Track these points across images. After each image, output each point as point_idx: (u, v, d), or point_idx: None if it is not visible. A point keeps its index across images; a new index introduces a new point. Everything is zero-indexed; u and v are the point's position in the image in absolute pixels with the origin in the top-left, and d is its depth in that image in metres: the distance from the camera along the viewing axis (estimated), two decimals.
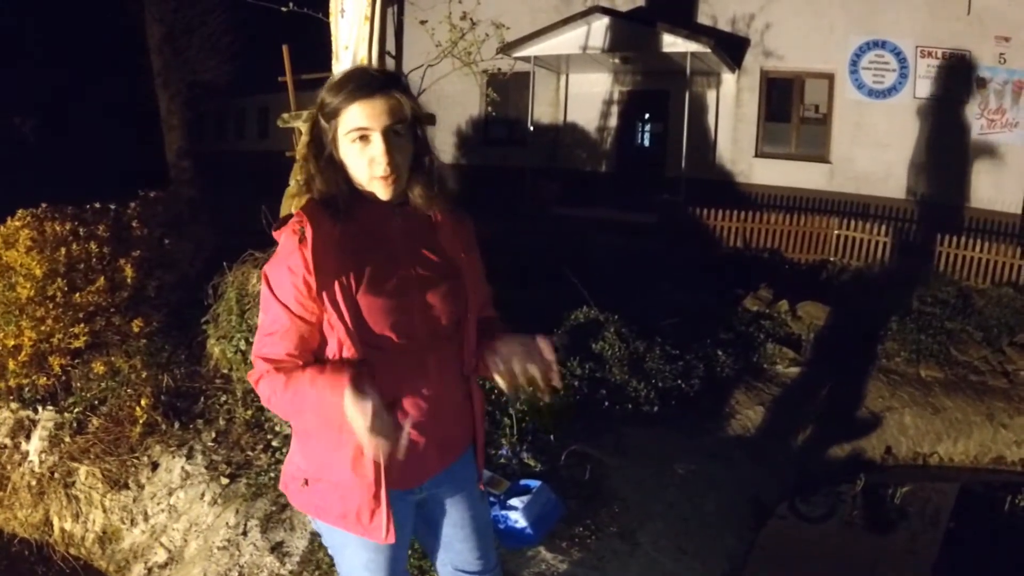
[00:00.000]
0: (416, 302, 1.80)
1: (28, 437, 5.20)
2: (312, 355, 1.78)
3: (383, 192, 1.76)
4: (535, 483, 3.83)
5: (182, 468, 4.64)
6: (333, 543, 2.04)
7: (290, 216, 1.78)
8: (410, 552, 2.82)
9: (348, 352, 1.74)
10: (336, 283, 1.72)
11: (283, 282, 1.73)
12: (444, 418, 1.89)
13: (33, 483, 4.98)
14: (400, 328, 1.78)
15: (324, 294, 1.71)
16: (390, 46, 7.27)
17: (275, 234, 1.78)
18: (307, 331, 1.75)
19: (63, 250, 5.44)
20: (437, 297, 1.83)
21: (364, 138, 1.71)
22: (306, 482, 1.91)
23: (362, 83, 1.72)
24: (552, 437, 4.40)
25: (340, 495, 1.86)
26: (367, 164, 1.72)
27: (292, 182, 6.00)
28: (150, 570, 4.28)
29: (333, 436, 1.80)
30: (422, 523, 2.11)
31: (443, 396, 1.87)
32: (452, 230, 1.88)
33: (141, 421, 4.94)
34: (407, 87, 1.76)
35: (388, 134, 1.71)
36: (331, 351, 1.77)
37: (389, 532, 1.84)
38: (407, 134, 1.75)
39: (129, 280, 5.69)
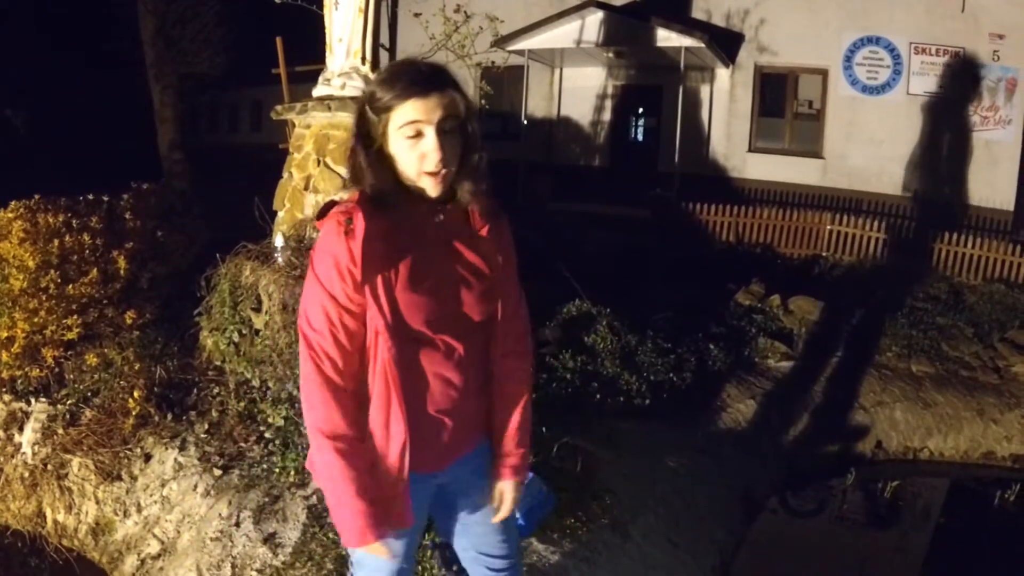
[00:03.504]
0: (452, 299, 1.83)
1: (21, 429, 5.20)
2: (359, 356, 1.80)
3: (432, 188, 1.76)
4: (530, 475, 3.84)
5: (175, 460, 4.65)
6: None
7: (331, 204, 1.80)
8: None
9: (384, 345, 1.76)
10: (379, 277, 1.74)
11: (329, 273, 1.75)
12: (468, 406, 1.93)
13: (26, 475, 4.98)
14: (435, 323, 1.81)
15: (367, 287, 1.74)
16: (384, 39, 7.27)
17: (318, 223, 1.80)
18: (353, 324, 1.77)
19: (56, 242, 5.44)
20: (472, 295, 1.86)
21: (417, 134, 1.72)
22: None
23: (416, 79, 1.72)
24: (544, 429, 4.41)
25: None
26: (418, 159, 1.73)
27: (285, 174, 6.01)
28: (143, 561, 4.29)
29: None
30: (442, 506, 2.13)
31: (469, 385, 1.90)
32: (491, 230, 1.89)
33: (134, 413, 4.94)
34: (457, 83, 1.77)
35: (440, 130, 1.72)
36: (368, 341, 1.80)
37: (407, 517, 1.88)
38: (458, 130, 1.77)
39: (122, 272, 5.69)
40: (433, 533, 2.75)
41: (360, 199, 1.76)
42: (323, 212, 1.79)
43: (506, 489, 2.08)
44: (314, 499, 3.98)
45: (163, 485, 4.58)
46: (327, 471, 1.78)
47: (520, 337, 2.06)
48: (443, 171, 1.74)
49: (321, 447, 1.78)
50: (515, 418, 2.05)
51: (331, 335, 1.76)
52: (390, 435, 1.82)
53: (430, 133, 1.71)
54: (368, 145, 1.77)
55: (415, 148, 1.73)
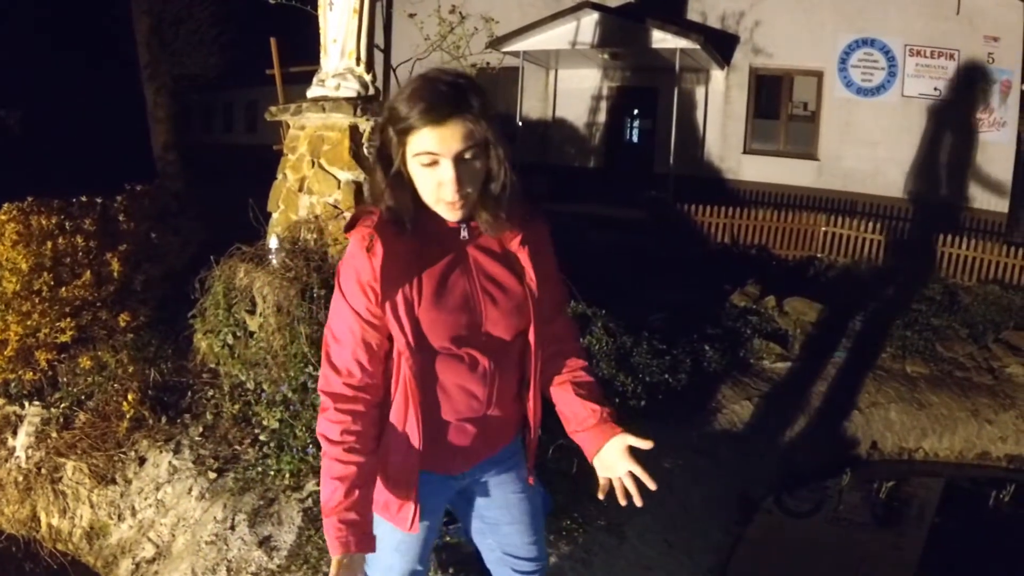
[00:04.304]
0: (478, 316, 1.80)
1: (15, 433, 5.18)
2: (382, 372, 1.80)
3: (449, 214, 1.74)
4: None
5: (169, 463, 4.63)
6: None
7: (360, 214, 1.78)
8: None
9: (405, 362, 1.75)
10: (400, 295, 1.72)
11: (352, 286, 1.74)
12: (495, 414, 1.90)
13: (20, 479, 4.96)
14: (460, 340, 1.79)
15: (387, 305, 1.72)
16: (379, 39, 7.25)
17: (347, 235, 1.78)
18: (376, 338, 1.76)
19: (49, 244, 5.41)
20: (501, 312, 1.82)
21: (433, 162, 1.67)
22: None
23: (434, 104, 1.62)
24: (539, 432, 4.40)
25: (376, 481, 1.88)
26: (435, 187, 1.69)
27: (279, 175, 5.99)
28: (137, 565, 4.27)
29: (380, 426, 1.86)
30: (466, 505, 2.11)
31: (495, 396, 1.87)
32: (522, 239, 1.83)
33: (128, 416, 4.92)
34: (481, 107, 1.66)
35: (458, 160, 1.65)
36: (392, 352, 1.80)
37: (414, 524, 1.88)
38: (479, 157, 1.69)
39: (116, 274, 5.67)
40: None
41: (379, 220, 1.73)
42: (351, 224, 1.77)
43: (607, 457, 1.91)
44: (309, 502, 3.97)
45: (157, 488, 4.56)
46: (324, 476, 1.78)
47: (566, 336, 2.05)
48: (460, 201, 1.70)
49: (324, 453, 1.79)
50: (576, 395, 2.00)
51: (351, 349, 1.76)
52: (404, 444, 1.82)
53: (446, 164, 1.65)
54: (388, 165, 1.73)
55: (432, 176, 1.67)
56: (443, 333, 1.76)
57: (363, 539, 1.75)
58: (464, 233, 1.79)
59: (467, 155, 1.66)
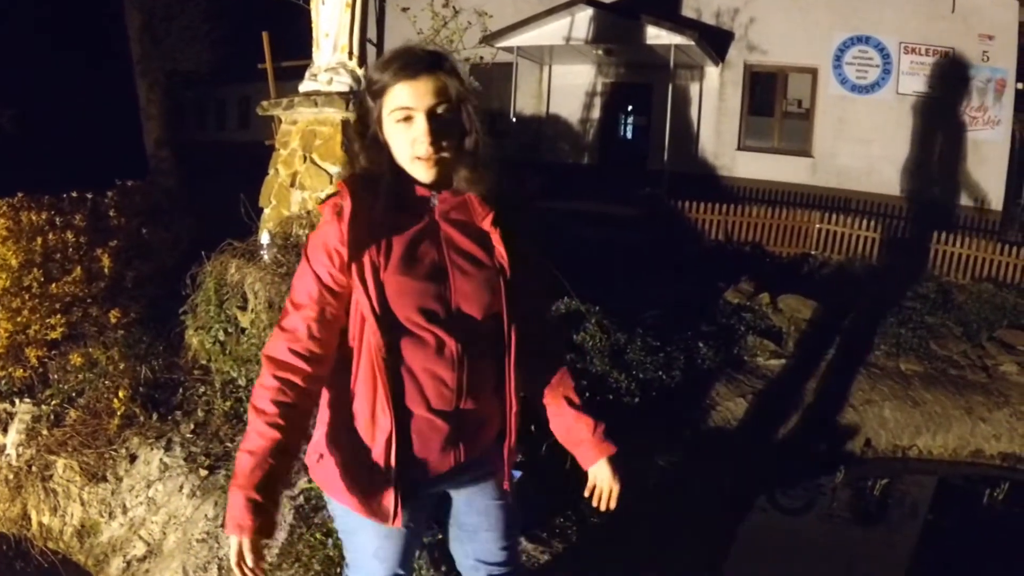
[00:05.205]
0: (446, 289, 1.77)
1: (5, 430, 5.15)
2: (331, 346, 1.77)
3: (424, 174, 1.74)
4: (516, 473, 3.81)
5: (160, 460, 4.60)
6: (346, 527, 2.00)
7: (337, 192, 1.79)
8: None
9: (371, 332, 1.72)
10: (366, 258, 1.71)
11: (318, 252, 1.74)
12: (470, 408, 1.83)
13: (10, 477, 4.93)
14: (425, 313, 1.74)
15: (353, 267, 1.70)
16: (371, 34, 7.23)
17: (320, 207, 1.79)
18: (332, 307, 1.74)
19: (39, 240, 5.39)
20: (471, 287, 1.78)
21: (408, 118, 1.70)
22: (321, 456, 1.89)
23: (407, 62, 1.70)
24: (532, 427, 4.38)
25: (351, 474, 1.83)
26: (409, 144, 1.71)
27: (271, 171, 5.97)
28: (128, 563, 4.25)
29: (348, 413, 1.81)
30: (446, 511, 2.08)
31: (468, 386, 1.81)
32: (494, 219, 1.82)
33: (119, 413, 4.89)
34: (454, 67, 1.74)
35: (431, 115, 1.69)
36: (353, 331, 1.76)
37: (397, 517, 1.81)
38: (452, 115, 1.73)
39: (106, 270, 5.65)
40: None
41: (350, 180, 1.75)
42: (327, 197, 1.80)
43: (599, 472, 2.07)
44: (300, 499, 3.94)
45: (149, 486, 4.53)
46: (243, 443, 1.73)
47: (546, 336, 2.03)
48: (434, 156, 1.71)
49: (248, 424, 1.74)
50: (570, 408, 2.05)
51: (302, 316, 1.74)
52: (375, 428, 1.77)
53: (420, 118, 1.69)
54: (364, 130, 1.76)
55: (407, 133, 1.71)
56: (409, 302, 1.73)
57: (264, 524, 1.67)
58: (434, 201, 1.79)
59: (439, 110, 1.70)
